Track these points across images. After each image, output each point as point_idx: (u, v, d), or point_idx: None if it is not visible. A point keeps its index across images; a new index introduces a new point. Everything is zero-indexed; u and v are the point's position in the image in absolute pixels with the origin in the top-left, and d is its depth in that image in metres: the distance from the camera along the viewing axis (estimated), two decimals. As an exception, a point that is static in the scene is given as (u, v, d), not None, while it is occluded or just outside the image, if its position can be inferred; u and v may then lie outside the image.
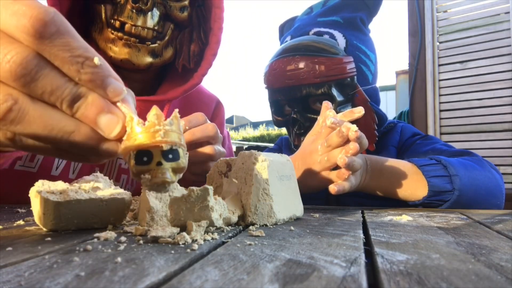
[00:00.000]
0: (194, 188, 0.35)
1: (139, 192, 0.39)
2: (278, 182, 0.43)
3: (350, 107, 0.84)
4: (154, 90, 0.80)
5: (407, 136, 0.91)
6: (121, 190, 0.39)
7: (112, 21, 0.69)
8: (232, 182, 0.44)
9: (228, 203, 0.39)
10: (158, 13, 0.70)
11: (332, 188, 0.57)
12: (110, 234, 0.30)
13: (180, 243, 0.29)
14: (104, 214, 0.36)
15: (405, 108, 2.54)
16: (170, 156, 0.28)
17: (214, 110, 0.93)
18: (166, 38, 0.73)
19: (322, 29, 0.90)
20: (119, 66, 0.72)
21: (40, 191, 0.34)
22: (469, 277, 0.21)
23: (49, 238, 0.30)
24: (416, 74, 2.40)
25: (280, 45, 0.96)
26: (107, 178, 0.41)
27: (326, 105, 0.67)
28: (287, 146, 1.01)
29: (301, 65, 0.82)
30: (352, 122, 0.62)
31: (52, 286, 0.18)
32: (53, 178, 0.38)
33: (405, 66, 2.89)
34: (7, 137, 0.27)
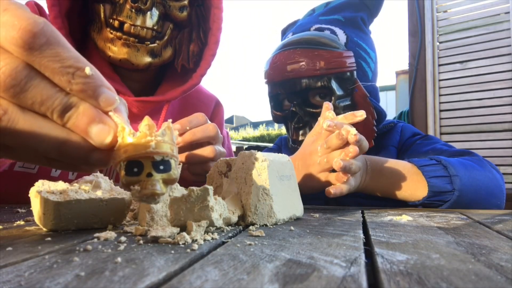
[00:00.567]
0: (194, 188, 0.35)
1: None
2: (278, 182, 0.43)
3: (349, 102, 0.84)
4: (153, 90, 0.80)
5: (407, 136, 0.91)
6: (121, 190, 0.39)
7: (111, 20, 0.69)
8: (232, 182, 0.44)
9: (228, 203, 0.39)
10: (157, 12, 0.70)
11: (329, 192, 0.57)
12: (110, 234, 0.30)
13: (180, 243, 0.29)
14: (104, 214, 0.36)
15: (405, 108, 2.54)
16: (161, 167, 0.27)
17: (213, 110, 0.93)
18: (165, 38, 0.73)
19: (323, 26, 0.90)
20: (118, 66, 0.72)
21: (40, 191, 0.34)
22: (469, 277, 0.21)
23: (49, 238, 0.30)
24: (416, 74, 2.40)
25: None
26: (107, 178, 0.41)
27: (327, 106, 0.67)
28: (286, 146, 1.01)
29: (302, 58, 0.83)
30: None
31: (52, 286, 0.18)
32: (53, 179, 0.38)
33: (405, 66, 2.89)
34: None
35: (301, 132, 0.88)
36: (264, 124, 14.35)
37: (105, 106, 0.27)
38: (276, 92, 0.90)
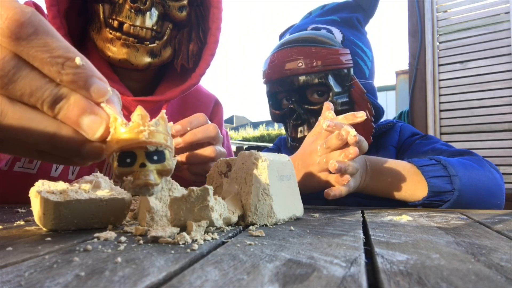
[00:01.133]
0: (194, 188, 0.35)
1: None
2: (278, 182, 0.43)
3: (346, 98, 0.85)
4: (152, 90, 0.80)
5: (406, 135, 0.91)
6: (121, 190, 0.39)
7: (111, 20, 0.69)
8: (232, 182, 0.44)
9: (228, 203, 0.39)
10: (156, 12, 0.70)
11: (327, 194, 0.57)
12: (110, 234, 0.30)
13: (180, 243, 0.29)
14: (104, 214, 0.36)
15: (405, 108, 2.54)
16: (155, 157, 0.27)
17: (212, 109, 0.93)
18: (165, 38, 0.73)
19: (320, 25, 0.92)
20: (117, 66, 0.72)
21: (40, 191, 0.34)
22: (469, 277, 0.21)
23: (49, 238, 0.30)
24: (416, 74, 2.40)
25: None
26: (107, 178, 0.41)
27: (327, 105, 0.67)
28: (285, 146, 1.01)
29: (299, 55, 0.84)
30: (349, 112, 0.63)
31: (52, 286, 0.18)
32: (52, 179, 0.38)
33: (405, 66, 2.90)
34: None
35: (299, 129, 0.88)
36: (264, 124, 14.35)
37: (96, 97, 0.26)
38: (274, 90, 0.91)
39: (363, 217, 0.49)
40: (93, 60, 0.72)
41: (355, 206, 0.69)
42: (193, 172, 0.62)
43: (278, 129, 11.81)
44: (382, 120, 0.97)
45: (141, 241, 0.29)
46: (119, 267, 0.22)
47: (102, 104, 0.27)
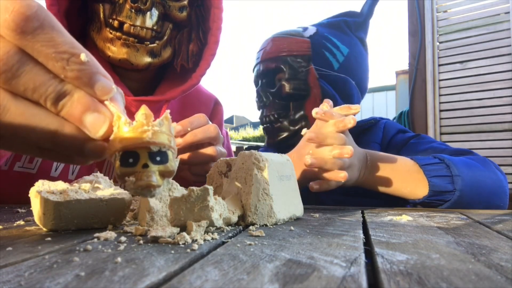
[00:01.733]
0: (194, 188, 0.35)
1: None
2: (278, 182, 0.43)
3: (302, 83, 0.94)
4: (152, 90, 0.80)
5: (392, 132, 0.91)
6: (121, 190, 0.39)
7: (111, 20, 0.69)
8: (232, 182, 0.44)
9: (228, 203, 0.39)
10: (157, 12, 0.70)
11: (311, 187, 0.58)
12: (110, 234, 0.30)
13: (180, 243, 0.28)
14: (104, 214, 0.36)
15: (405, 108, 2.54)
16: (158, 158, 0.26)
17: (212, 109, 0.93)
18: (165, 38, 0.73)
19: (308, 26, 1.02)
20: (118, 66, 0.72)
21: (40, 191, 0.34)
22: (469, 277, 0.21)
23: (49, 238, 0.30)
24: (416, 74, 2.40)
25: None
26: (107, 178, 0.41)
27: (327, 101, 0.68)
28: None
29: (268, 46, 0.99)
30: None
31: (52, 286, 0.18)
32: (52, 179, 0.37)
33: (405, 66, 2.90)
34: None
35: (264, 111, 0.99)
36: (264, 124, 14.28)
37: (101, 95, 0.26)
38: (255, 82, 1.03)
39: (363, 217, 0.49)
40: (93, 60, 0.73)
41: (355, 206, 0.69)
42: (193, 172, 0.62)
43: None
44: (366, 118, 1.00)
45: (141, 241, 0.29)
46: (119, 267, 0.22)
47: (106, 102, 0.27)
